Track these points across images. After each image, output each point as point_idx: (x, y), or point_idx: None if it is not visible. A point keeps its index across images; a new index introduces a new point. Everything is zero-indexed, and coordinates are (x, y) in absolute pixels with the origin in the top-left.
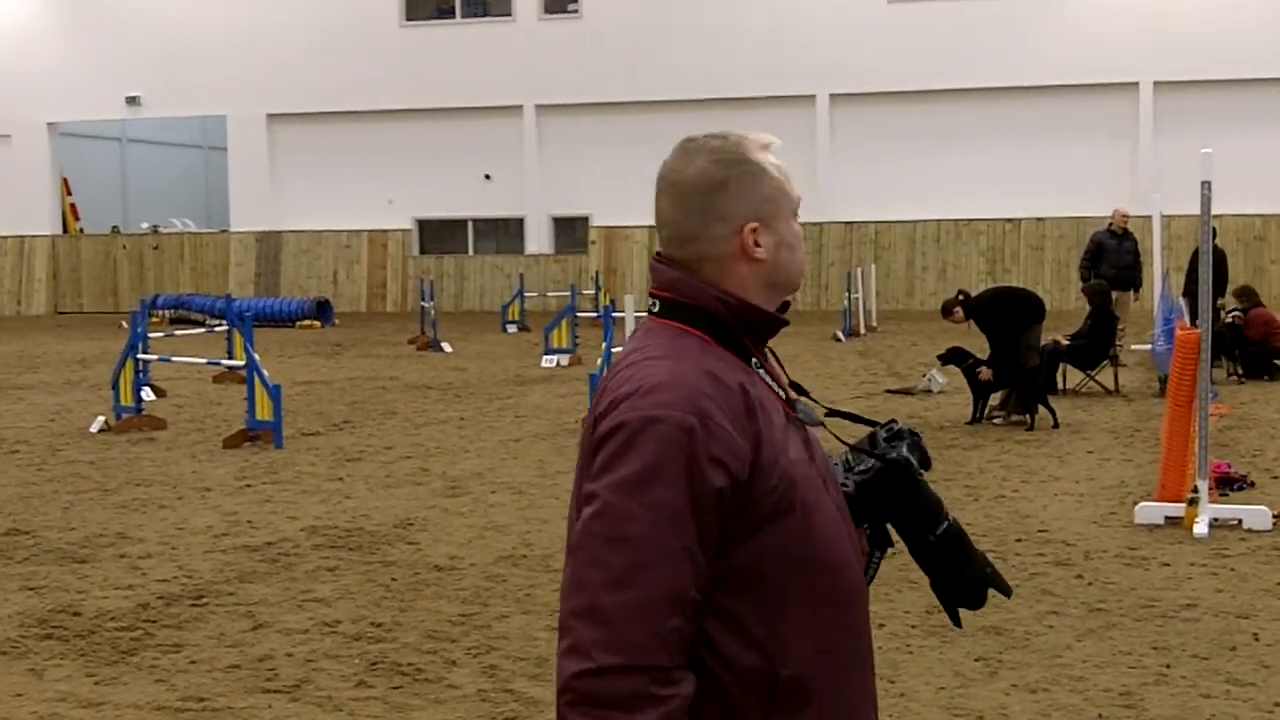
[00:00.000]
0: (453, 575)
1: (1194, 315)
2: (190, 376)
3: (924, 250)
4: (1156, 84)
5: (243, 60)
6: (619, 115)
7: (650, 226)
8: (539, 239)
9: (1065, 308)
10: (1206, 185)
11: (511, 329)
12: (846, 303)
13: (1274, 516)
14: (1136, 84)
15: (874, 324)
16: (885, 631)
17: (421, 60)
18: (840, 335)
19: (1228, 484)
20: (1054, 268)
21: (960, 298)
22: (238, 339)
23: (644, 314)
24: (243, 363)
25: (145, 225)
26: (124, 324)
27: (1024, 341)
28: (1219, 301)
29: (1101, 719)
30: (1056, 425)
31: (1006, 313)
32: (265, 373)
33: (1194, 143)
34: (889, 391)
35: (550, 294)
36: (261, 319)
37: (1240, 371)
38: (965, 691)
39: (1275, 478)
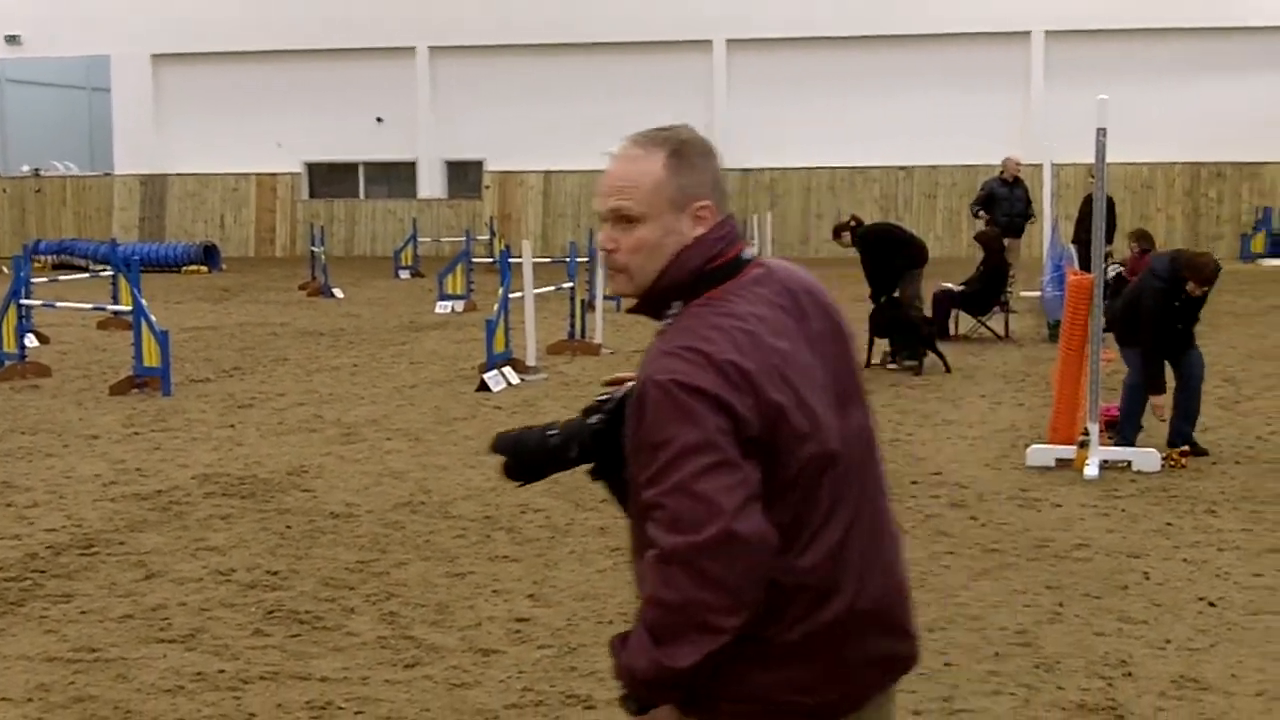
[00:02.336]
0: (349, 523)
1: (1084, 262)
2: (74, 323)
3: (819, 198)
4: (1048, 33)
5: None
6: (514, 58)
7: (546, 171)
8: (432, 183)
9: (957, 254)
10: (1102, 132)
11: (405, 275)
12: None
13: (1163, 459)
14: (1029, 33)
15: None
16: None
17: (312, 0)
18: None
19: (1117, 427)
20: (946, 215)
21: (852, 223)
22: (124, 284)
23: (538, 259)
24: (129, 308)
25: (26, 168)
26: (5, 269)
27: (903, 287)
28: (1107, 248)
29: (998, 656)
30: (948, 370)
31: (883, 253)
32: (153, 318)
33: (1084, 92)
34: None
35: (444, 239)
36: (147, 264)
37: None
38: None
39: (1163, 420)
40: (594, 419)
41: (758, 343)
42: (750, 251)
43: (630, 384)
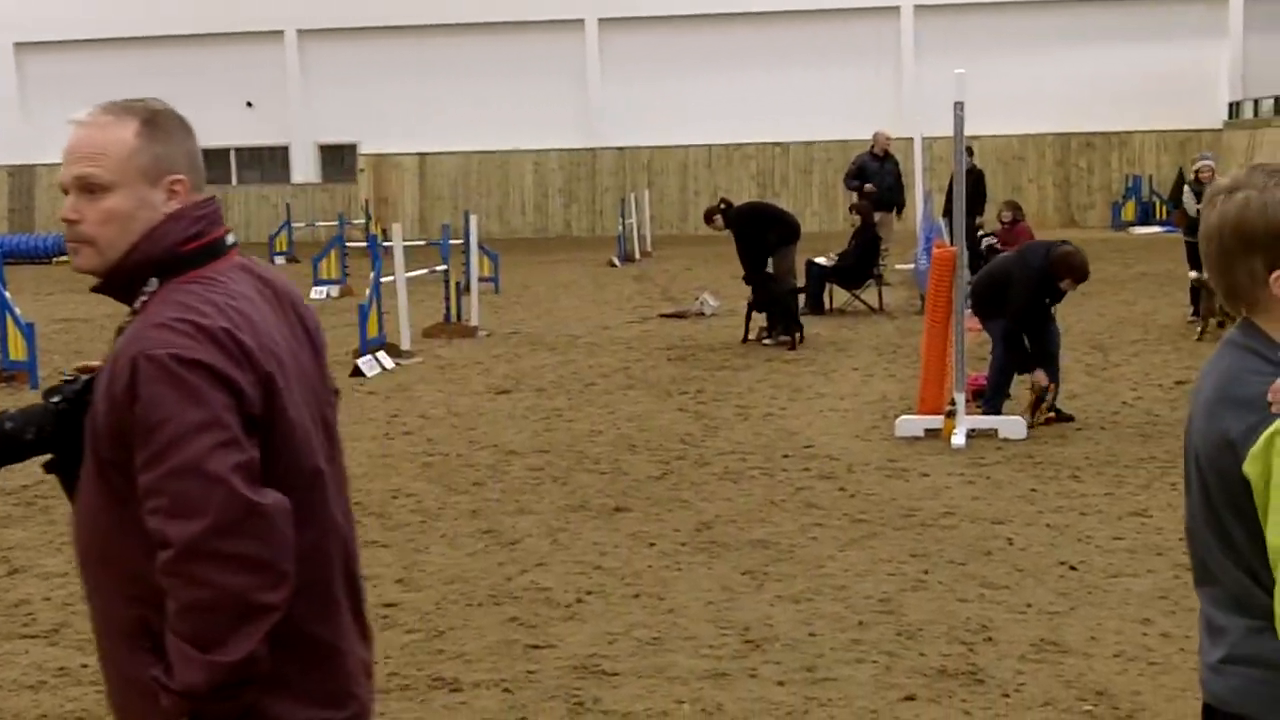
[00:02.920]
0: None
1: (953, 235)
2: None
3: (696, 175)
4: (916, 7)
5: None
6: (385, 40)
7: (421, 153)
8: (305, 168)
9: (833, 229)
10: (959, 106)
11: (280, 261)
12: (621, 228)
13: (1029, 424)
14: (898, 8)
15: (649, 249)
16: (655, 550)
17: None
18: (615, 261)
19: (983, 396)
20: (822, 190)
21: (721, 206)
22: None
23: (414, 241)
24: None
25: None
26: None
27: (777, 263)
28: (977, 220)
29: (861, 625)
30: (800, 342)
31: (754, 230)
32: (18, 310)
33: (955, 65)
34: (663, 315)
35: (319, 224)
36: (17, 256)
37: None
38: (732, 604)
39: (1029, 388)
40: (55, 399)
41: (253, 322)
42: (233, 237)
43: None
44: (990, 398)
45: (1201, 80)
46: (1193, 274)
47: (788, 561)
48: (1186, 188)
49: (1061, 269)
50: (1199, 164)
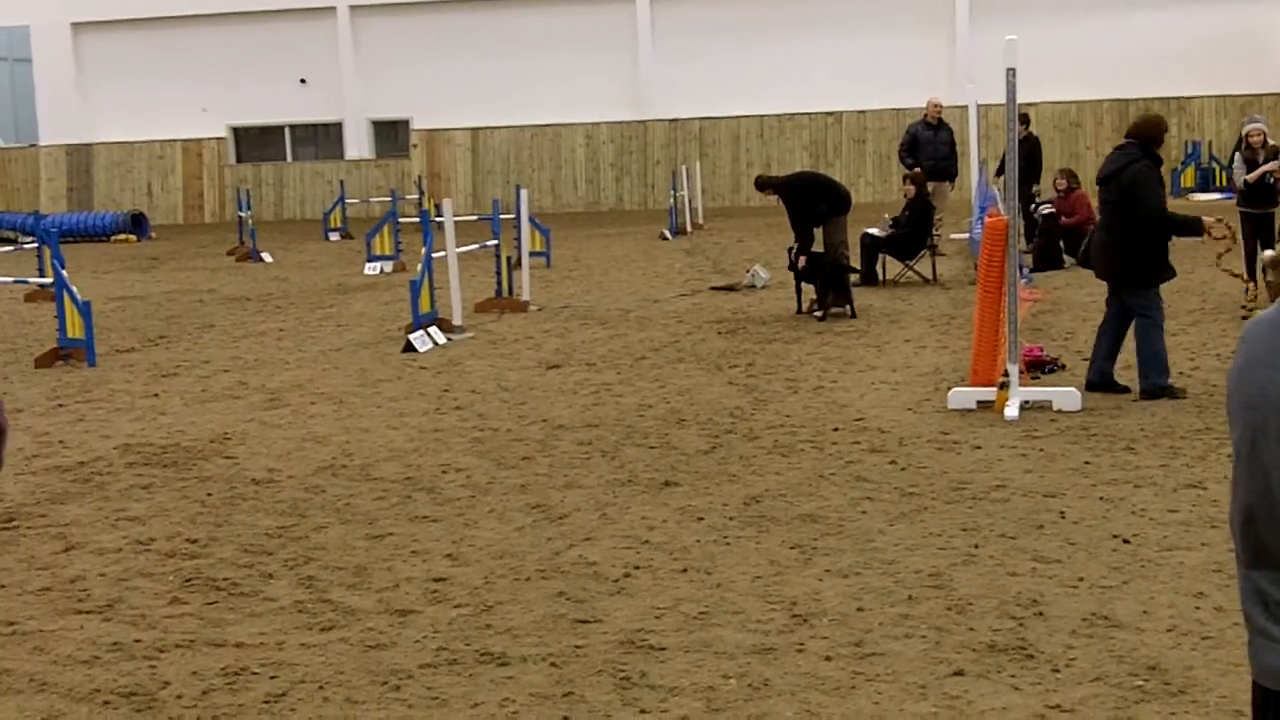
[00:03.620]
0: (270, 488)
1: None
2: (2, 296)
3: (748, 146)
4: None
5: None
6: (436, 15)
7: (473, 128)
8: (359, 144)
9: (887, 199)
10: (1011, 72)
11: (334, 236)
12: (673, 201)
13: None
14: None
15: (700, 222)
16: (703, 524)
17: None
18: (667, 234)
19: (1039, 367)
20: (875, 160)
21: (770, 177)
22: (47, 255)
23: (467, 217)
24: (51, 280)
25: None
26: None
27: (829, 232)
28: (1034, 189)
29: (911, 599)
30: (853, 315)
31: (805, 200)
32: (74, 289)
33: (1010, 31)
34: (714, 288)
35: (373, 200)
36: (74, 234)
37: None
38: (780, 579)
39: (1086, 359)
40: None
41: None
42: None
43: None
44: (1153, 372)
45: (1261, 44)
46: (1267, 253)
47: (836, 536)
48: (1237, 155)
49: (1150, 131)
50: (1249, 127)
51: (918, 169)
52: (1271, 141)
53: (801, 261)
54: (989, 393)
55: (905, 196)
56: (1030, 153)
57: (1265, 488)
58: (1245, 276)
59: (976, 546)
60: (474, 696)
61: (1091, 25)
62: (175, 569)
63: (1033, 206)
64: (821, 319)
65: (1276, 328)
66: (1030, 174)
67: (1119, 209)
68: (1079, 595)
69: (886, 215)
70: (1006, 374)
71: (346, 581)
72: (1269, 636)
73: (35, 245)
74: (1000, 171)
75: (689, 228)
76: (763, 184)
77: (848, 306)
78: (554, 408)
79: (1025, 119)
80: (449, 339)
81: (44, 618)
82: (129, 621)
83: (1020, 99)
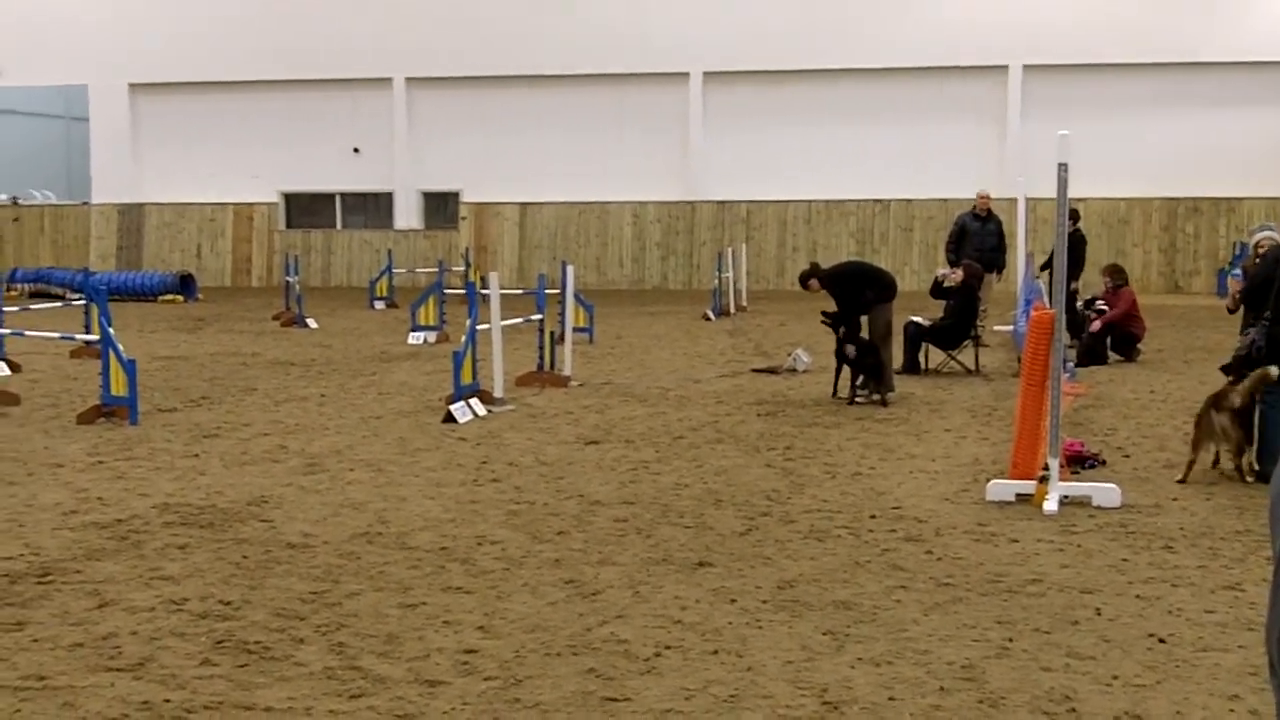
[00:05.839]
0: (305, 553)
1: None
2: (48, 351)
3: (795, 230)
4: (1026, 67)
5: (105, 29)
6: (491, 90)
7: (522, 202)
8: (408, 214)
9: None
10: (1063, 167)
11: (380, 305)
12: (717, 282)
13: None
14: (1006, 67)
15: (744, 304)
16: (736, 606)
17: (289, 30)
18: (710, 314)
19: (1079, 462)
20: (922, 249)
21: (813, 268)
22: (94, 312)
23: (512, 290)
24: (97, 337)
25: (4, 197)
26: None
27: (873, 320)
28: (1074, 285)
29: (943, 691)
30: (884, 404)
31: (851, 289)
32: (120, 346)
33: (1061, 126)
34: (754, 370)
35: (420, 270)
36: (123, 293)
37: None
38: (811, 665)
39: (1127, 456)
40: None
41: None
42: None
43: None
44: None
45: None
46: (1274, 369)
47: (870, 624)
48: (1236, 271)
49: None
50: (1258, 236)
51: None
52: None
53: (850, 350)
54: (1028, 486)
55: (951, 285)
56: (1074, 248)
57: None
58: None
59: (1010, 640)
60: None
61: (1142, 123)
62: (207, 630)
63: (1080, 304)
64: (850, 403)
65: None
66: (1073, 270)
67: None
68: (1113, 693)
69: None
70: (1047, 468)
71: (377, 649)
72: None
73: (83, 302)
74: (1046, 265)
75: (732, 309)
76: (807, 276)
77: (880, 396)
78: (591, 484)
79: (1075, 215)
80: (489, 411)
81: (75, 674)
82: (159, 681)
83: (1070, 194)
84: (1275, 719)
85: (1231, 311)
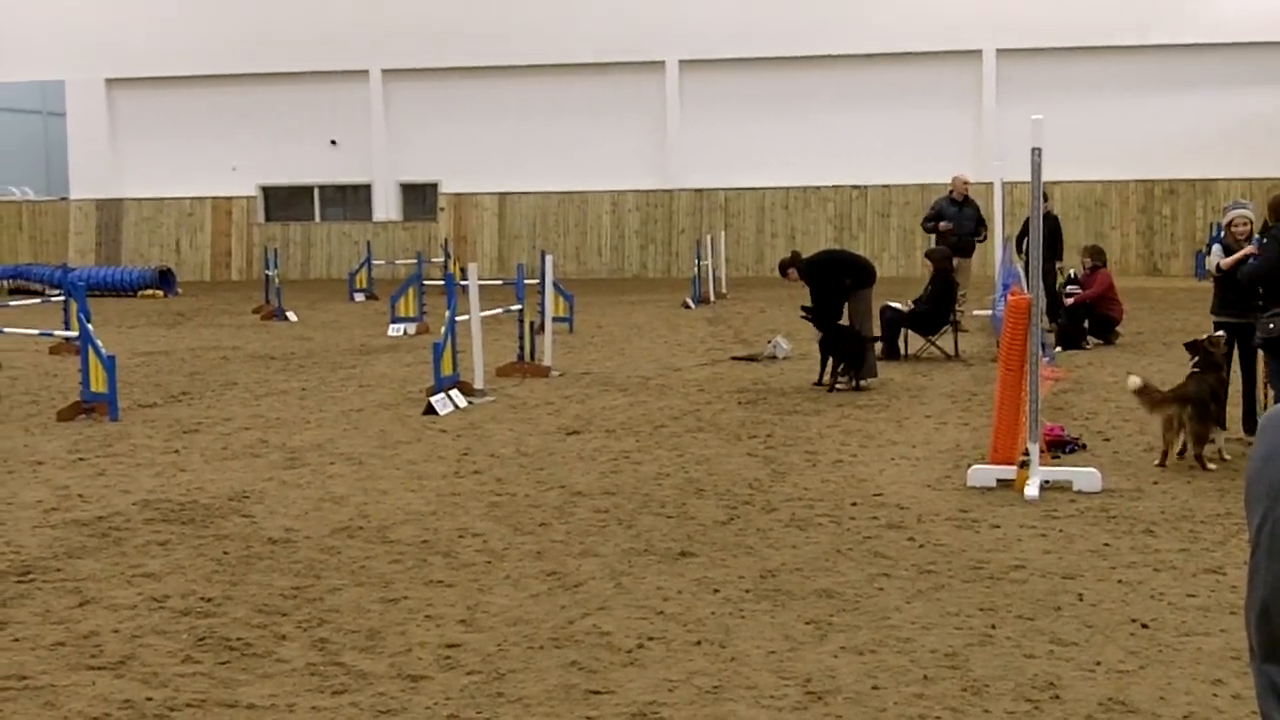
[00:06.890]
0: (286, 548)
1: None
2: (28, 348)
3: (773, 217)
4: (1000, 51)
5: (82, 24)
6: (467, 81)
7: (501, 193)
8: (387, 206)
9: (911, 274)
10: (1037, 152)
11: (359, 297)
12: (696, 270)
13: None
14: (980, 52)
15: (724, 291)
16: (719, 596)
17: (265, 23)
18: (690, 302)
19: (1060, 447)
20: (900, 234)
21: (792, 255)
22: (73, 308)
23: (492, 280)
24: (77, 333)
25: None
26: None
27: (853, 306)
28: (1057, 265)
29: (927, 679)
30: (858, 388)
31: (829, 277)
32: (99, 343)
33: (1037, 110)
34: (734, 358)
35: (400, 261)
36: (102, 288)
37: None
38: (795, 654)
39: (1107, 440)
40: None
41: None
42: None
43: None
44: None
45: None
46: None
47: (853, 612)
48: (1216, 246)
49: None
50: (1233, 213)
51: (942, 228)
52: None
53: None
54: (1009, 471)
55: (926, 270)
56: (1052, 230)
57: None
58: None
59: (994, 627)
60: None
61: (1118, 106)
62: (189, 627)
63: (1060, 284)
64: (830, 390)
65: None
66: (1052, 251)
67: None
68: (1096, 679)
69: (910, 302)
70: (1027, 453)
71: (359, 645)
72: None
73: (62, 298)
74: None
75: (712, 297)
76: (786, 265)
77: (856, 382)
78: (572, 474)
79: (1046, 197)
80: (470, 402)
81: (56, 672)
82: (141, 679)
83: (1046, 178)
84: (1257, 702)
85: (1221, 270)
